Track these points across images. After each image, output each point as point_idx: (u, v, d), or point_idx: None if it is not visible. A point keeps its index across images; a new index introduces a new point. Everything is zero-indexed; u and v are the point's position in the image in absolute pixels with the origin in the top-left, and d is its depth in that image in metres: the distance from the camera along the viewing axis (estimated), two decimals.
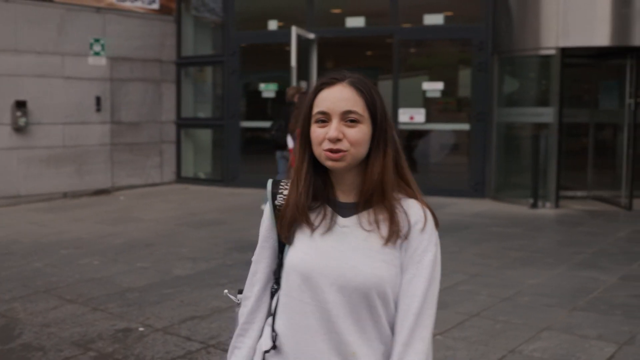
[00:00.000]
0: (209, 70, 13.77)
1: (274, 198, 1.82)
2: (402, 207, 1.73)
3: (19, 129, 10.57)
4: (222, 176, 12.80)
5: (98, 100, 11.65)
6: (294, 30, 10.68)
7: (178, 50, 13.04)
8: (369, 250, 1.70)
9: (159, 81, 12.75)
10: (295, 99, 9.66)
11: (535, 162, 10.08)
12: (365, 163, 1.73)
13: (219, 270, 6.45)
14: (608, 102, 11.44)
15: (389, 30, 11.76)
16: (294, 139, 8.71)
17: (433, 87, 11.43)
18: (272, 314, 1.84)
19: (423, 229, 1.71)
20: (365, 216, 1.73)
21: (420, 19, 11.58)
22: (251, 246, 6.72)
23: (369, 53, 17.34)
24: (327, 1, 12.78)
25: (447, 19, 11.63)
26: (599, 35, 10.01)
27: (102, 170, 11.81)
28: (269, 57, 14.74)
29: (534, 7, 10.40)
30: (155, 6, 12.53)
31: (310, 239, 1.74)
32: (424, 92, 11.57)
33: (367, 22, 12.02)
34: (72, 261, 6.76)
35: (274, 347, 1.77)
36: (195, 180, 13.12)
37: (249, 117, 13.21)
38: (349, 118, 1.69)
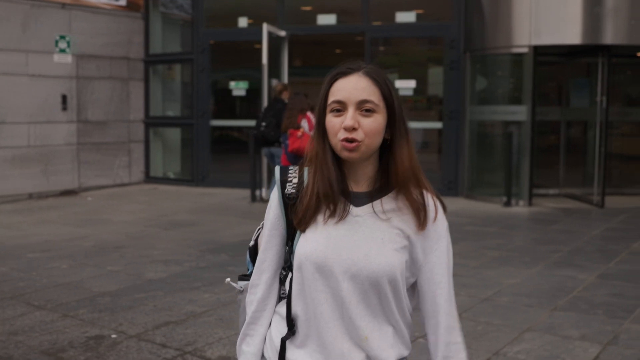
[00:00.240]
0: (177, 68, 13.55)
1: (283, 186, 1.82)
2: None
3: None
4: (192, 176, 12.61)
5: (64, 98, 11.38)
6: (265, 28, 10.53)
7: (146, 47, 12.81)
8: (382, 239, 1.73)
9: (127, 79, 12.51)
10: (284, 96, 9.69)
11: (508, 160, 10.07)
12: (381, 153, 1.77)
13: (193, 273, 6.29)
14: (579, 100, 11.49)
15: (360, 28, 11.67)
16: (285, 138, 8.71)
17: (405, 85, 11.36)
18: (283, 297, 1.85)
19: (436, 218, 1.77)
20: (378, 205, 1.75)
21: (392, 17, 11.51)
22: (224, 248, 6.58)
23: (338, 51, 17.27)
24: None
25: (419, 17, 11.58)
26: (571, 34, 10.04)
27: (68, 171, 11.54)
28: (239, 54, 14.57)
29: (506, 5, 10.40)
30: (123, 3, 12.27)
31: (323, 228, 1.75)
32: (396, 90, 11.46)
33: (339, 20, 11.93)
34: (40, 265, 6.54)
35: (293, 332, 1.79)
36: (165, 180, 12.90)
37: (219, 116, 13.04)
38: (364, 107, 1.70)
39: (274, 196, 1.83)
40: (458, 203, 10.28)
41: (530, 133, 10.16)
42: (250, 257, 2.02)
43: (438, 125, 11.41)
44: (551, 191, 11.31)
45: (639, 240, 7.72)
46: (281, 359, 1.81)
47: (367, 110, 1.70)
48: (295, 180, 1.81)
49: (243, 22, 12.36)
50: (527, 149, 10.17)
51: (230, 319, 4.96)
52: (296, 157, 8.18)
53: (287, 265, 1.83)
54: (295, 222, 1.77)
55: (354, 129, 1.68)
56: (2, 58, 10.49)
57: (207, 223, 8.82)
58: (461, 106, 11.01)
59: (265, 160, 10.52)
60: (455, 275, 5.93)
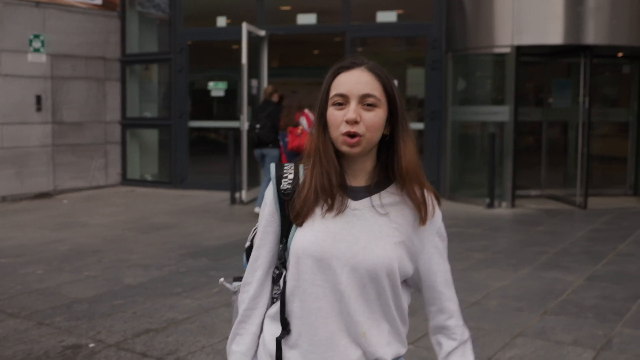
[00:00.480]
0: (155, 68, 13.32)
1: (278, 182, 1.80)
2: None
3: None
4: (170, 178, 12.39)
5: (38, 99, 11.11)
6: (245, 27, 10.35)
7: (122, 47, 12.56)
8: (380, 233, 1.72)
9: (103, 79, 12.26)
10: (275, 98, 9.73)
11: (491, 161, 9.99)
12: (379, 149, 1.77)
13: (173, 278, 6.11)
14: (561, 101, 11.45)
15: (341, 27, 11.54)
16: (284, 136, 8.87)
17: None
18: (275, 299, 1.82)
19: (435, 213, 1.79)
20: (377, 199, 1.75)
21: (373, 17, 11.39)
22: (205, 252, 6.38)
23: (316, 52, 17.15)
24: None
25: (400, 16, 11.47)
26: (553, 34, 9.99)
27: (43, 173, 11.27)
28: (218, 54, 14.39)
29: (487, 5, 10.32)
30: (98, 1, 12.03)
31: (321, 221, 1.73)
32: (397, 87, 11.36)
33: (319, 20, 11.78)
34: (14, 271, 6.31)
35: (288, 332, 1.76)
36: (142, 183, 12.66)
37: (197, 117, 12.83)
38: (367, 102, 1.70)
39: (269, 192, 1.81)
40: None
41: (513, 134, 10.08)
42: (247, 258, 1.96)
43: (420, 126, 11.31)
44: (533, 192, 11.25)
45: (624, 242, 7.66)
46: None
47: (369, 105, 1.70)
48: (290, 177, 1.80)
49: (222, 21, 12.18)
50: (509, 150, 10.10)
51: (213, 326, 4.79)
52: (295, 155, 8.20)
53: (280, 263, 1.81)
54: (293, 215, 1.75)
55: (355, 122, 1.68)
56: None
57: (186, 226, 8.63)
58: (443, 107, 10.91)
59: (245, 162, 10.35)
60: None
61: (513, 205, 10.08)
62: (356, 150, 1.70)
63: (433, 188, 1.82)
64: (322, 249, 1.71)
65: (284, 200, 1.78)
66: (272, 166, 1.84)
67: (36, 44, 11.02)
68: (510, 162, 10.10)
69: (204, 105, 13.79)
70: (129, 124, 12.72)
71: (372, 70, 1.74)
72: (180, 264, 6.58)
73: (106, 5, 12.18)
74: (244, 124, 10.41)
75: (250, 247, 1.94)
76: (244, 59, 10.32)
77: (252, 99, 11.04)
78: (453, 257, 6.47)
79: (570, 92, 11.08)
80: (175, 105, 12.23)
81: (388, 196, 1.76)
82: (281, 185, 1.79)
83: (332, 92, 1.73)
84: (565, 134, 11.56)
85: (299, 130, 8.72)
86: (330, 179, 1.72)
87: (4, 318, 4.96)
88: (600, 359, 4.24)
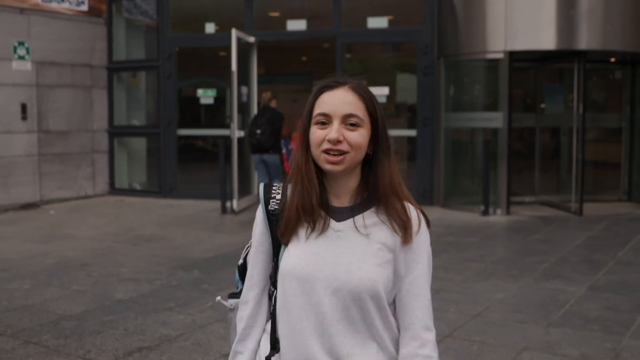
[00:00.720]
0: (142, 76, 13.12)
1: (267, 203, 1.82)
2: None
3: None
4: (159, 187, 12.18)
5: (23, 107, 10.89)
6: (234, 33, 10.18)
7: (109, 54, 12.36)
8: (363, 254, 1.72)
9: (90, 87, 12.05)
10: (272, 104, 9.82)
11: (485, 168, 9.86)
12: (362, 168, 1.78)
13: (164, 292, 5.92)
14: (553, 106, 11.35)
15: (331, 33, 11.39)
16: (288, 142, 8.95)
17: (378, 93, 11.07)
18: (269, 318, 1.84)
19: (419, 231, 1.77)
20: (360, 220, 1.75)
21: (364, 23, 11.25)
22: (196, 264, 6.16)
23: (304, 58, 17.01)
24: (266, 4, 12.34)
25: (391, 22, 11.34)
26: (546, 39, 9.89)
27: (29, 183, 11.03)
28: (207, 61, 14.22)
29: (479, 10, 10.21)
30: (84, 8, 11.82)
31: (304, 243, 1.74)
32: (381, 107, 11.19)
33: (309, 25, 11.63)
34: None
35: (277, 350, 1.77)
36: (131, 192, 12.44)
37: (186, 125, 12.64)
38: (349, 121, 1.72)
39: (259, 213, 1.84)
40: (434, 212, 10.02)
41: (507, 140, 9.97)
42: (240, 275, 1.99)
43: (412, 132, 11.17)
44: (527, 199, 11.14)
45: (623, 249, 7.55)
46: None
47: (352, 125, 1.71)
48: (278, 197, 1.82)
49: (210, 28, 12.01)
50: (504, 156, 9.98)
51: (208, 342, 4.61)
52: None
53: (272, 282, 1.83)
54: (279, 235, 1.77)
55: (338, 142, 1.69)
56: None
57: (177, 237, 8.43)
58: (435, 113, 10.79)
59: (236, 171, 10.16)
60: (443, 290, 5.65)
61: (508, 212, 9.96)
62: (339, 168, 1.71)
63: (420, 207, 1.82)
64: (305, 272, 1.71)
65: (273, 220, 1.79)
66: (261, 187, 1.86)
67: (21, 51, 10.81)
68: (505, 168, 9.98)
69: (192, 113, 13.61)
70: (116, 132, 12.51)
71: (355, 90, 1.74)
72: (172, 277, 6.39)
73: (92, 12, 11.98)
74: (234, 131, 10.22)
75: (243, 265, 1.96)
76: (234, 66, 10.15)
77: (242, 107, 10.86)
78: (451, 268, 6.32)
79: (563, 97, 10.98)
80: (163, 113, 12.03)
81: (372, 216, 1.76)
82: (269, 206, 1.81)
83: (316, 111, 1.74)
84: (560, 139, 11.47)
85: None
86: (312, 199, 1.72)
87: None
88: None
